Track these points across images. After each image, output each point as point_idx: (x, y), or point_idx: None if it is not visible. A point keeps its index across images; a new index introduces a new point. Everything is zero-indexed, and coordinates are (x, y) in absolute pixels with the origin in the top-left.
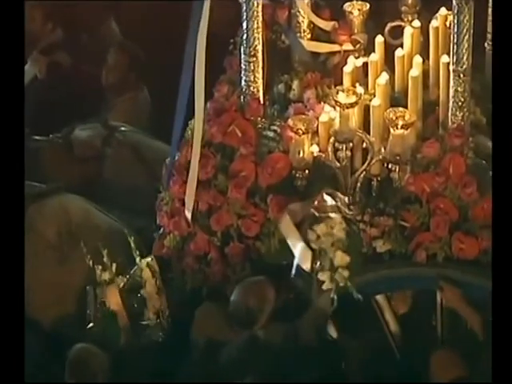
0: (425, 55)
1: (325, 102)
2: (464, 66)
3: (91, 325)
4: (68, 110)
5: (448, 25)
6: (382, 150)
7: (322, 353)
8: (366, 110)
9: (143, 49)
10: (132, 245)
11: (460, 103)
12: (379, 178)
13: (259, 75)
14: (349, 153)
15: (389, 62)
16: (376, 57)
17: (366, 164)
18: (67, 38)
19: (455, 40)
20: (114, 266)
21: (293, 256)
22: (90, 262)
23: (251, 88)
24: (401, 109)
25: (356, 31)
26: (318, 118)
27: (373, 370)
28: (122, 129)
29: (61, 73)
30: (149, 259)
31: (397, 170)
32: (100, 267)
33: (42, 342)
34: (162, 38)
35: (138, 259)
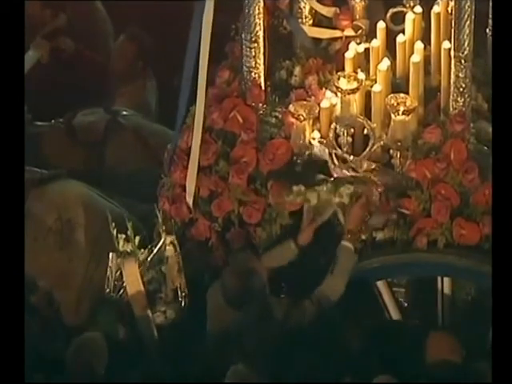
0: (426, 41)
1: (326, 88)
2: (465, 52)
3: (108, 290)
4: (70, 95)
5: (449, 10)
6: (384, 136)
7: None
8: (368, 95)
9: (152, 37)
10: (159, 220)
11: (461, 89)
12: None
13: (261, 61)
14: (350, 139)
15: (390, 47)
16: (377, 43)
17: (367, 150)
18: (70, 23)
19: (456, 26)
20: (137, 238)
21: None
22: (114, 231)
23: (253, 74)
24: (402, 95)
25: (358, 17)
26: (319, 104)
27: (373, 355)
28: (125, 113)
29: (64, 58)
30: (173, 237)
31: (398, 155)
32: (123, 236)
33: (41, 328)
34: (171, 27)
35: (163, 235)
